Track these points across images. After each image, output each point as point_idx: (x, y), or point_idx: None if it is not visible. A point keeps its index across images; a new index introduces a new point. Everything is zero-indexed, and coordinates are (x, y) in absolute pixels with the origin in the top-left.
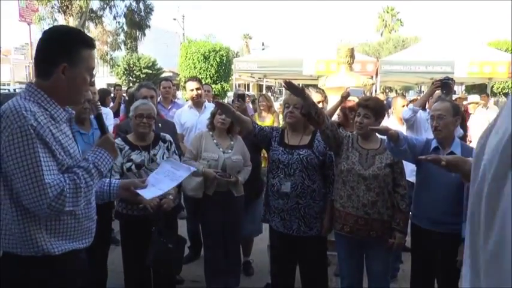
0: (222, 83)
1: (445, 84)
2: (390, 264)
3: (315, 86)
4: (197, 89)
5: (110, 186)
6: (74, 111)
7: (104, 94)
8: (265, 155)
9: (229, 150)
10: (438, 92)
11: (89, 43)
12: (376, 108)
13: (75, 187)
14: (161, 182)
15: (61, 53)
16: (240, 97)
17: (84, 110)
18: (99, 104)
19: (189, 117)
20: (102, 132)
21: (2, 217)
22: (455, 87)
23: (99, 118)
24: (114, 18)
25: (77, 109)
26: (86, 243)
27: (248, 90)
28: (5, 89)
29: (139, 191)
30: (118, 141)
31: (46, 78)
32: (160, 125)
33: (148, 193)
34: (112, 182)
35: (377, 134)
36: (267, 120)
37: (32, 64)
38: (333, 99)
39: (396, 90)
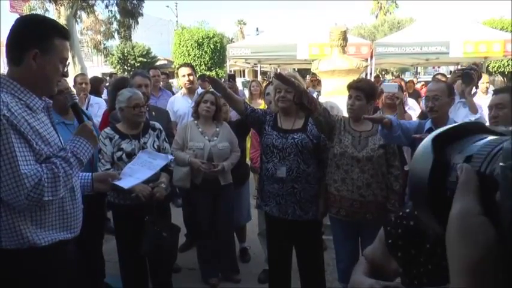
0: (217, 69)
1: (466, 74)
2: None
3: (307, 71)
4: (189, 74)
5: (86, 179)
6: (51, 101)
7: (97, 83)
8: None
9: (215, 138)
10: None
11: (63, 33)
12: (367, 90)
13: (53, 176)
14: (138, 172)
15: (33, 39)
16: (230, 77)
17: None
18: (74, 93)
19: (181, 104)
20: (79, 121)
21: None
22: (452, 68)
23: (74, 107)
24: (106, 7)
25: (60, 99)
26: (73, 232)
27: (244, 76)
28: None
29: (116, 182)
30: (108, 130)
31: (17, 65)
32: (153, 113)
33: (125, 183)
34: (86, 175)
35: (371, 122)
36: (259, 105)
37: None
38: (326, 83)
39: (392, 73)
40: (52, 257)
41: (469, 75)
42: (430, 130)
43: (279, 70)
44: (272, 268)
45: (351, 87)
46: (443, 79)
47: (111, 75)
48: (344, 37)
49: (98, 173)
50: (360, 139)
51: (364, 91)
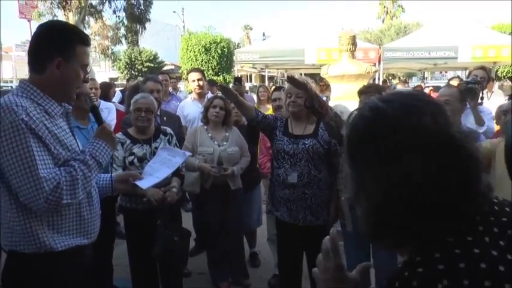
0: (224, 74)
1: (470, 90)
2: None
3: (314, 76)
4: (199, 79)
5: (105, 180)
6: (71, 106)
7: (107, 88)
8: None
9: (225, 143)
10: None
11: (84, 40)
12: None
13: (72, 179)
14: (158, 171)
15: (56, 48)
16: (236, 80)
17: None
18: (93, 96)
19: (191, 109)
20: (98, 123)
21: (3, 215)
22: (459, 72)
23: (94, 110)
24: (114, 12)
25: (76, 103)
26: (90, 238)
27: (250, 81)
28: (7, 86)
29: (136, 182)
30: (119, 135)
31: (40, 73)
32: (165, 118)
33: (145, 183)
34: (105, 176)
35: None
36: (267, 110)
37: None
38: (336, 88)
39: (399, 77)
40: (68, 262)
41: (473, 90)
42: None
43: (286, 75)
44: (283, 273)
45: (361, 93)
46: (457, 83)
47: (128, 79)
48: (353, 42)
49: (119, 173)
50: None
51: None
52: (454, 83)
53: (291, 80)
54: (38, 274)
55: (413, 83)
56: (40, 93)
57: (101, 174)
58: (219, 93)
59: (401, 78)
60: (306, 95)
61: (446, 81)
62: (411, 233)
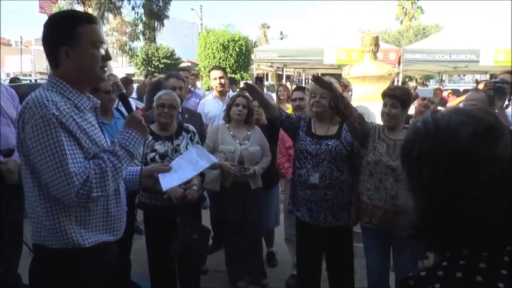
0: (242, 72)
1: (499, 89)
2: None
3: (334, 76)
4: (220, 77)
5: (134, 174)
6: (99, 101)
7: (126, 83)
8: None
9: (246, 142)
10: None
11: (85, 18)
12: (402, 98)
13: (101, 171)
14: (182, 170)
15: (59, 38)
16: (258, 79)
17: (109, 101)
18: (121, 83)
19: (212, 106)
20: (128, 111)
21: (33, 210)
22: (478, 76)
23: (123, 98)
24: (133, 8)
25: (102, 100)
26: (116, 235)
27: (267, 80)
28: (26, 80)
29: (160, 177)
30: None
31: (57, 67)
32: (186, 115)
33: (167, 182)
34: (134, 169)
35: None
36: (286, 110)
37: None
38: (357, 89)
39: (416, 80)
40: (94, 259)
41: (502, 89)
42: None
43: (303, 74)
44: (301, 274)
45: (385, 95)
46: (484, 84)
47: (147, 75)
48: (376, 43)
49: (147, 167)
50: (394, 148)
51: (399, 99)
52: (482, 87)
53: (316, 80)
54: (64, 270)
55: (431, 85)
56: (70, 88)
57: (130, 168)
58: (241, 91)
59: (419, 80)
60: (331, 95)
61: (465, 84)
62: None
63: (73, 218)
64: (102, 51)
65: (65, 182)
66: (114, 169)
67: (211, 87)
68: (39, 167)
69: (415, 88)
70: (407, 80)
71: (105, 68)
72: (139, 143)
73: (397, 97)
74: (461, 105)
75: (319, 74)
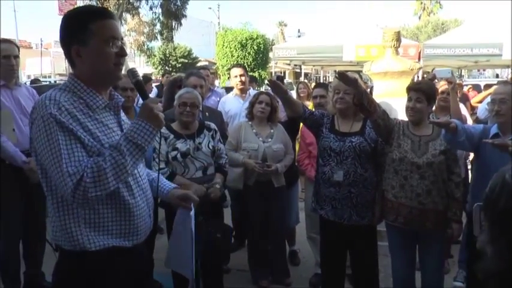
0: (260, 70)
1: None
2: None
3: (356, 72)
4: (241, 75)
5: (165, 187)
6: (123, 99)
7: (145, 82)
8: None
9: (269, 139)
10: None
11: (97, 13)
12: (428, 92)
13: (98, 170)
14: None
15: (70, 37)
16: (278, 78)
17: (127, 99)
18: (136, 70)
19: (233, 104)
20: (143, 98)
21: (49, 210)
22: (499, 71)
23: (138, 85)
24: (151, 8)
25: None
26: (133, 240)
27: (284, 77)
28: (46, 81)
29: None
30: (163, 130)
31: (74, 67)
32: (207, 114)
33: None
34: (171, 186)
35: (437, 126)
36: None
37: None
38: (378, 85)
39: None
40: (105, 263)
41: None
42: (496, 136)
43: (321, 72)
44: (325, 272)
45: (410, 89)
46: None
47: (163, 74)
48: (398, 38)
49: (180, 191)
50: (419, 144)
51: (424, 93)
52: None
53: (341, 76)
54: (76, 271)
55: None
56: (84, 87)
57: (165, 180)
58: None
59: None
60: (355, 91)
61: (485, 79)
62: None
63: (81, 220)
64: (116, 48)
65: (63, 182)
66: (116, 165)
67: (224, 87)
68: (46, 166)
69: (433, 70)
70: (425, 75)
71: (121, 66)
72: (151, 134)
73: (422, 91)
74: (488, 99)
75: (335, 71)
